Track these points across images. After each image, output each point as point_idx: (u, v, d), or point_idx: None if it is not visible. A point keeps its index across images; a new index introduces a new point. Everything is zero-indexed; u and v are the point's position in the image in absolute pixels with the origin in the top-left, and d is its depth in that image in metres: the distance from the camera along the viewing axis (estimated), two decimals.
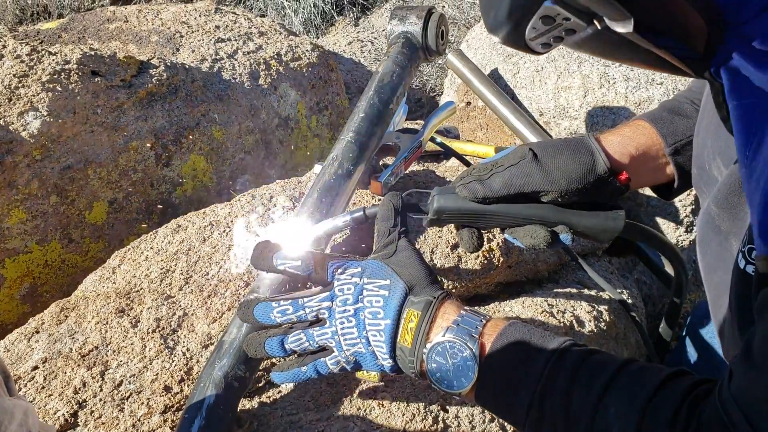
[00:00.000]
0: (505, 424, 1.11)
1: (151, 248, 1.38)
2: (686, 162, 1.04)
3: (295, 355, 0.92)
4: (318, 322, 0.89)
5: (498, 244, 1.38)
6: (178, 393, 1.09)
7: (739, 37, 0.66)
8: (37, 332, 1.21)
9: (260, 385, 1.15)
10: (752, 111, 0.66)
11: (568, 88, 1.89)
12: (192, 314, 1.21)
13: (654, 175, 1.07)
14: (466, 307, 0.86)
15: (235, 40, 2.20)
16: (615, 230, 0.98)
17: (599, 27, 0.72)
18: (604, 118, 1.82)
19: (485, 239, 1.34)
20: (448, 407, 1.11)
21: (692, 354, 1.56)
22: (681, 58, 0.73)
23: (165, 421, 1.06)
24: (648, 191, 1.43)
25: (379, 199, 1.41)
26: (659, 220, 1.84)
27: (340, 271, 0.90)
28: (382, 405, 1.09)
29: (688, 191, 1.25)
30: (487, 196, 0.97)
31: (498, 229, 1.05)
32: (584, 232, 0.99)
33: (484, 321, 0.84)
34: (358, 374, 0.91)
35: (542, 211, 0.98)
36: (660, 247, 1.47)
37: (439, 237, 1.35)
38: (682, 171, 1.05)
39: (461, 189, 0.98)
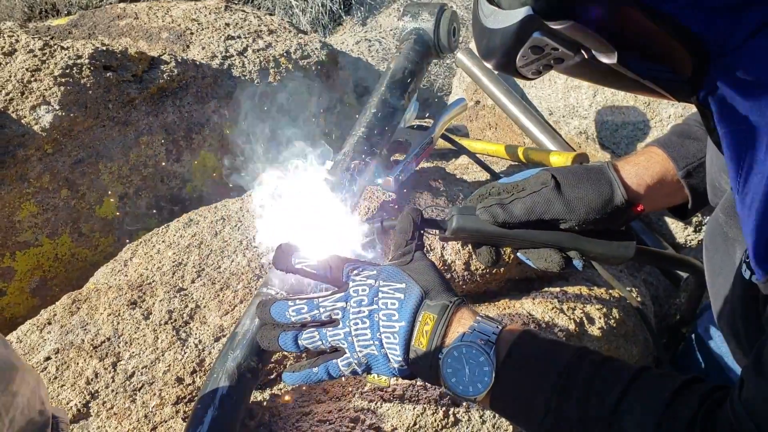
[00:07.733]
0: None
1: (163, 242, 1.38)
2: (699, 183, 1.06)
3: (305, 356, 0.92)
4: (331, 323, 0.89)
5: None
6: (190, 384, 1.09)
7: (724, 67, 0.67)
8: (50, 323, 1.21)
9: (272, 377, 1.16)
10: (740, 138, 0.67)
11: (577, 87, 1.89)
12: (204, 306, 1.21)
13: (669, 198, 1.11)
14: (481, 314, 0.87)
15: (245, 37, 2.21)
16: (625, 258, 1.04)
17: (586, 56, 0.75)
18: (613, 117, 1.82)
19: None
20: (458, 401, 1.11)
21: (700, 357, 1.55)
22: (666, 85, 0.74)
23: (177, 412, 1.06)
24: None
25: (390, 195, 1.41)
26: (668, 219, 1.84)
27: (355, 272, 0.91)
28: (394, 397, 1.10)
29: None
30: (508, 222, 1.00)
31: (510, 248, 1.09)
32: (596, 258, 1.05)
33: (500, 327, 0.84)
34: (368, 378, 0.92)
35: (559, 237, 1.02)
36: (675, 266, 1.49)
37: None
38: (695, 192, 1.08)
39: (482, 212, 1.01)
